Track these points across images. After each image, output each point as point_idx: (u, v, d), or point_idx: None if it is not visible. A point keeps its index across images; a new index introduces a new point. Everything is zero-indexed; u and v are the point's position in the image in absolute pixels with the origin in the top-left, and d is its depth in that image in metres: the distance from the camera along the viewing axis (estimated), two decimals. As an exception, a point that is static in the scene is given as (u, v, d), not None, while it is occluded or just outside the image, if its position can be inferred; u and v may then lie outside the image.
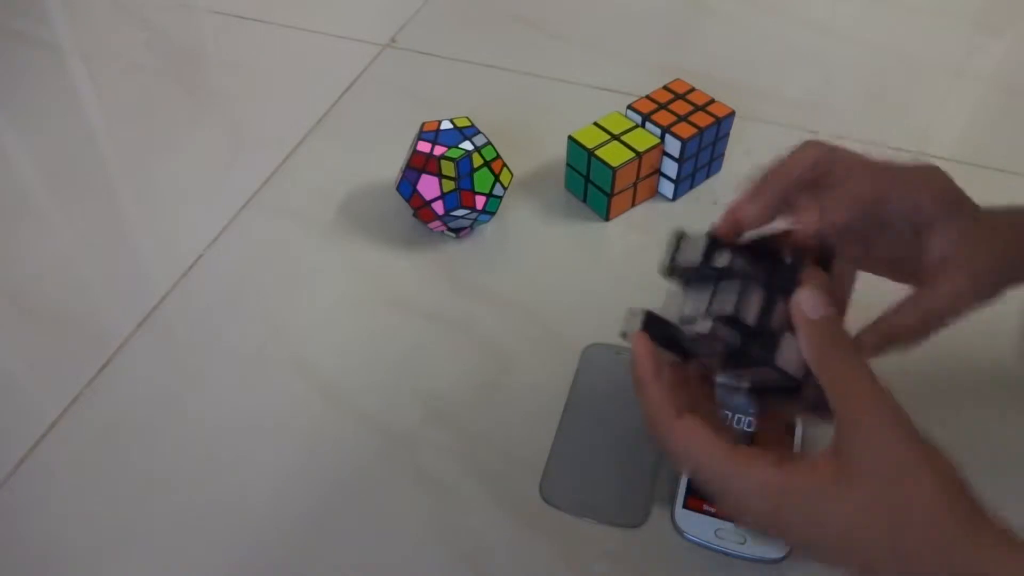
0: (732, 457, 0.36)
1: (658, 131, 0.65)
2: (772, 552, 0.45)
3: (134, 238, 0.68)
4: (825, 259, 0.41)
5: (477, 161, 0.60)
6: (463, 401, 0.54)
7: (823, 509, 0.34)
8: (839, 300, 0.42)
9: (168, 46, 0.88)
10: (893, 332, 0.41)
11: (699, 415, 0.38)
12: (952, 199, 0.42)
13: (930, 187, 0.42)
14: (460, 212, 0.61)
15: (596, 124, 0.66)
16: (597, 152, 0.63)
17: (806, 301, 0.37)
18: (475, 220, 0.63)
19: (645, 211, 0.68)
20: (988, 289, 0.42)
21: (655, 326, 0.41)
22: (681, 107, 0.66)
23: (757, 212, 0.41)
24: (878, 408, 0.34)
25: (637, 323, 0.41)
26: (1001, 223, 0.43)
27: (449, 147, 0.60)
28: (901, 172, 0.42)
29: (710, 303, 0.40)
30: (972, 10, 0.93)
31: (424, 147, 0.61)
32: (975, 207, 0.43)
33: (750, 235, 0.42)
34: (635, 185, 0.66)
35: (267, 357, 0.57)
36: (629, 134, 0.65)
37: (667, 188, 0.67)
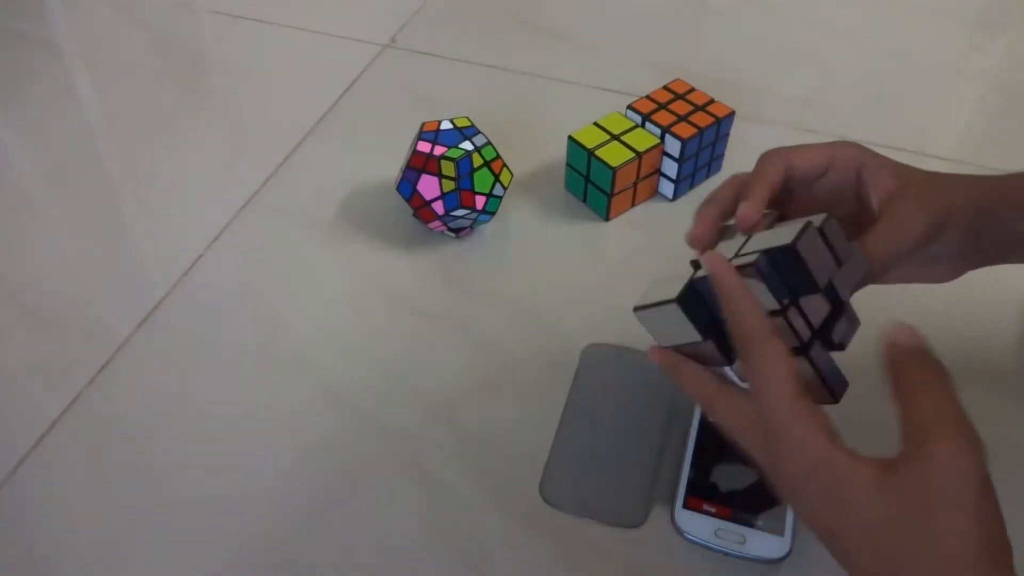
0: (796, 402, 0.36)
1: (658, 131, 0.65)
2: (772, 552, 0.45)
3: (134, 238, 0.68)
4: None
5: (477, 161, 0.60)
6: (463, 401, 0.54)
7: (855, 495, 0.34)
8: None
9: (168, 46, 0.88)
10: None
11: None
12: (871, 155, 0.44)
13: (843, 147, 0.44)
14: (460, 212, 0.61)
15: (596, 124, 0.66)
16: (597, 152, 0.63)
17: (898, 329, 0.37)
18: (475, 220, 0.63)
19: (645, 211, 0.68)
20: (943, 213, 0.42)
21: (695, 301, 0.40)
22: (681, 107, 0.66)
23: (753, 214, 0.43)
24: (957, 438, 0.33)
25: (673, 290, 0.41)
26: (932, 172, 0.44)
27: (449, 147, 0.60)
28: (809, 145, 0.45)
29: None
30: (972, 10, 0.93)
31: (424, 147, 0.61)
32: (899, 161, 0.44)
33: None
34: (635, 185, 0.66)
35: (267, 357, 0.57)
36: (629, 134, 0.65)
37: (667, 188, 0.67)
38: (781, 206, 0.46)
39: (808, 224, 0.39)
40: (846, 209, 0.45)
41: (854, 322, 0.41)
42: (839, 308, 0.40)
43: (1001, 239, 0.44)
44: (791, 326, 0.39)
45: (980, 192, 0.43)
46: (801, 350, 0.39)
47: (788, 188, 0.45)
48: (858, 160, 0.44)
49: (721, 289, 0.39)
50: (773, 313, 0.39)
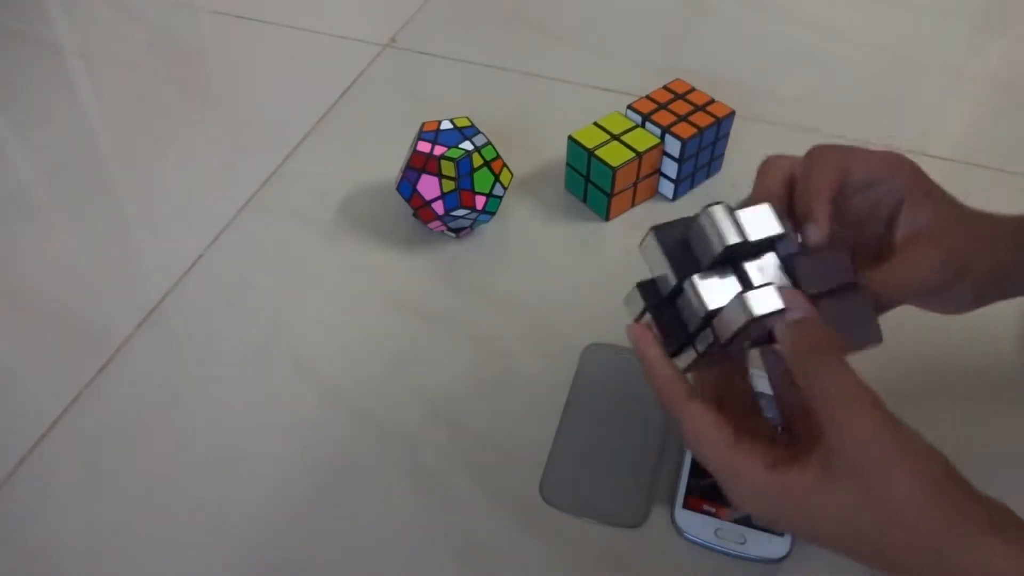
0: (732, 454, 0.37)
1: (658, 131, 0.65)
2: (772, 552, 0.45)
3: (134, 238, 0.68)
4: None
5: (477, 161, 0.60)
6: (463, 401, 0.54)
7: (812, 508, 0.35)
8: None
9: (168, 46, 0.88)
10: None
11: (699, 401, 0.39)
12: (922, 180, 0.43)
13: (901, 166, 0.43)
14: (460, 212, 0.61)
15: (596, 124, 0.66)
16: (597, 152, 0.63)
17: (787, 302, 0.37)
18: (475, 220, 0.63)
19: (645, 211, 0.68)
20: (959, 264, 0.41)
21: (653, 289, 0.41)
22: (681, 107, 0.66)
23: (824, 227, 0.41)
24: (859, 407, 0.34)
25: (637, 303, 0.42)
26: (970, 212, 0.43)
27: (449, 147, 0.60)
28: (868, 152, 0.43)
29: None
30: (972, 10, 0.93)
31: (424, 147, 0.61)
32: (945, 192, 0.43)
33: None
34: (635, 185, 0.66)
35: (267, 357, 0.57)
36: (629, 134, 0.65)
37: (667, 188, 0.67)
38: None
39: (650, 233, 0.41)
40: (874, 227, 0.44)
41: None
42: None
43: (1014, 290, 0.44)
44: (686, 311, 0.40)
45: (1004, 245, 0.43)
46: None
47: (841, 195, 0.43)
48: (908, 183, 0.42)
49: (643, 361, 0.41)
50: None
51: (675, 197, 0.68)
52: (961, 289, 0.42)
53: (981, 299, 0.44)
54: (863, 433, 0.34)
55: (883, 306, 0.41)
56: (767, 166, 0.44)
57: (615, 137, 0.64)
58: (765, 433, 0.40)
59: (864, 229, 0.44)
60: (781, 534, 0.46)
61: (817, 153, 0.43)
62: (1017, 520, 0.33)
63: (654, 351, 0.40)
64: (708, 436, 0.38)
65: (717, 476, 0.38)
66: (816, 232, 0.40)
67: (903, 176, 0.43)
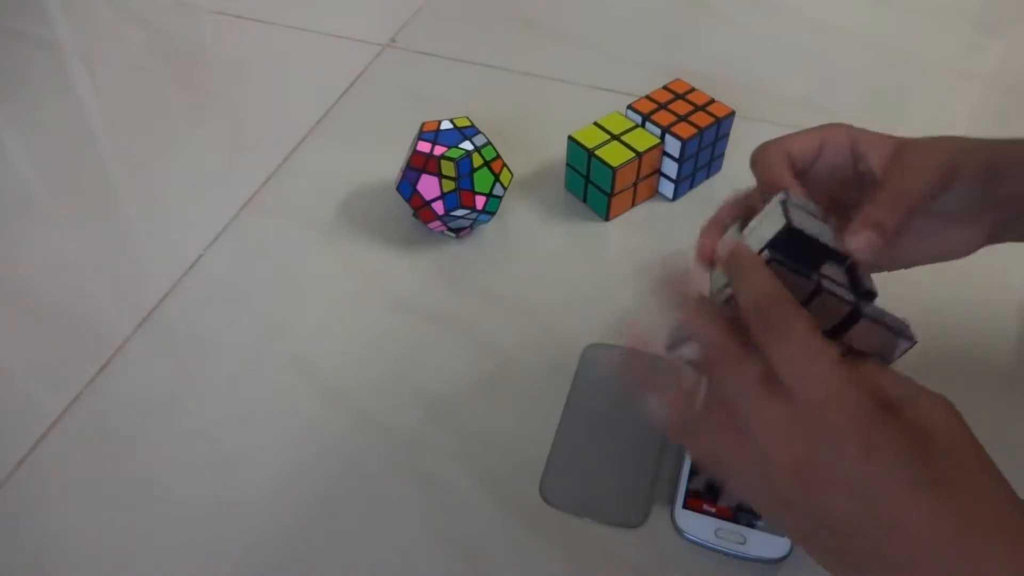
0: (841, 370, 0.34)
1: (658, 131, 0.65)
2: (772, 552, 0.45)
3: (134, 238, 0.68)
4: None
5: (477, 161, 0.60)
6: (463, 401, 0.54)
7: (913, 455, 0.32)
8: None
9: (168, 46, 0.88)
10: (879, 219, 0.40)
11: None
12: (862, 130, 0.44)
13: (832, 127, 0.44)
14: (460, 212, 0.61)
15: (596, 124, 0.66)
16: (597, 152, 0.63)
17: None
18: (475, 220, 0.63)
19: (645, 211, 0.68)
20: (949, 162, 0.41)
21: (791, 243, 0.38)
22: (681, 107, 0.66)
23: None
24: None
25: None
26: (937, 137, 0.43)
27: (449, 147, 0.60)
28: (799, 132, 0.44)
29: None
30: (972, 10, 0.93)
31: (424, 147, 0.61)
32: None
33: None
34: (635, 185, 0.66)
35: (267, 357, 0.57)
36: (629, 134, 0.65)
37: (667, 188, 0.67)
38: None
39: (783, 202, 0.39)
40: (846, 189, 0.44)
41: (866, 267, 0.40)
42: (849, 264, 0.39)
43: (1016, 194, 0.43)
44: (835, 295, 0.37)
45: (986, 146, 0.43)
46: (854, 314, 0.38)
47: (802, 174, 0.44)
48: (849, 135, 0.44)
49: (737, 267, 0.37)
50: (809, 298, 0.37)
51: (675, 197, 0.68)
52: (962, 190, 0.41)
53: (982, 213, 0.43)
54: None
55: (892, 233, 0.39)
56: (763, 155, 0.44)
57: (615, 137, 0.64)
58: None
59: (842, 197, 0.44)
60: (781, 534, 0.46)
61: (760, 153, 0.44)
62: None
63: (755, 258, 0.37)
64: (813, 345, 0.34)
65: (823, 388, 0.33)
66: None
67: (835, 131, 0.44)
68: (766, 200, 0.41)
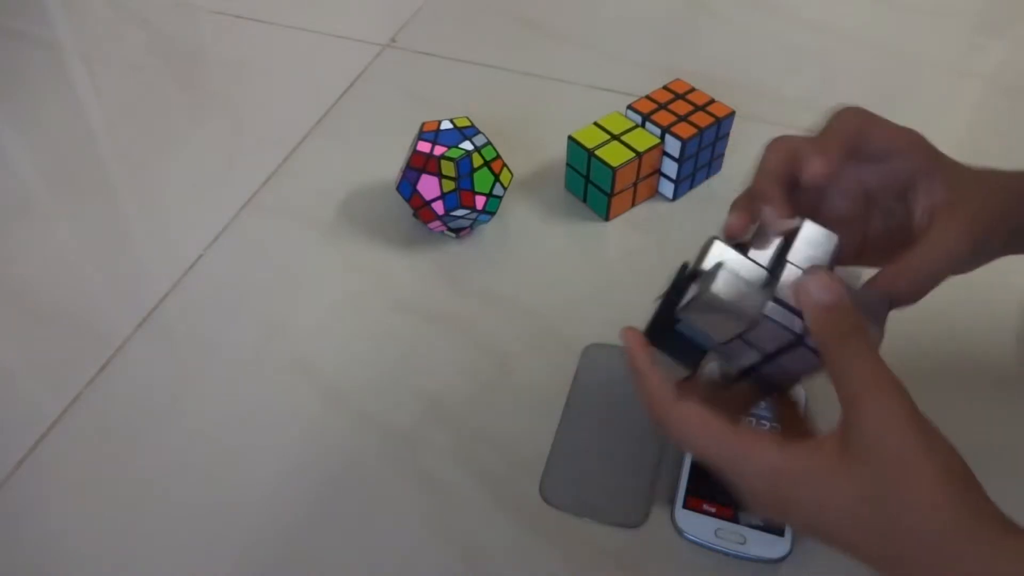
0: (734, 439, 0.36)
1: (658, 131, 0.65)
2: (772, 552, 0.45)
3: (134, 238, 0.68)
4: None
5: (477, 161, 0.60)
6: (463, 401, 0.54)
7: (824, 492, 0.34)
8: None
9: (168, 46, 0.88)
10: (891, 292, 0.40)
11: (695, 399, 0.38)
12: (937, 155, 0.42)
13: (919, 142, 0.43)
14: (460, 212, 0.61)
15: (596, 124, 0.66)
16: (597, 152, 0.63)
17: (814, 284, 0.36)
18: (475, 220, 0.63)
19: (645, 211, 0.68)
20: (984, 235, 0.40)
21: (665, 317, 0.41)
22: (681, 107, 0.66)
23: (823, 168, 0.41)
24: (884, 393, 0.34)
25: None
26: (985, 173, 0.43)
27: (449, 147, 0.60)
28: (888, 123, 0.43)
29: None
30: (972, 10, 0.93)
31: (424, 147, 0.61)
32: (954, 161, 0.43)
33: None
34: (635, 185, 0.66)
35: (267, 357, 0.57)
36: (629, 134, 0.65)
37: (667, 188, 0.67)
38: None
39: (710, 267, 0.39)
40: (884, 202, 0.43)
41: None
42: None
43: None
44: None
45: (1017, 203, 0.42)
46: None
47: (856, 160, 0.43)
48: (923, 161, 0.42)
49: (629, 366, 0.40)
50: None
51: (675, 197, 0.68)
52: (983, 253, 0.41)
53: (993, 256, 0.43)
54: (887, 420, 0.33)
55: (912, 297, 0.40)
56: (772, 146, 0.43)
57: (615, 137, 0.64)
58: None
59: (876, 202, 0.44)
60: (781, 534, 0.46)
61: (837, 115, 0.42)
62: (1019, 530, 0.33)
63: (643, 359, 0.40)
64: (704, 426, 0.37)
65: (723, 465, 0.37)
66: (771, 213, 0.40)
67: (917, 150, 0.42)
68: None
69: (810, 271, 0.37)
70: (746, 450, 0.36)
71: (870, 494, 0.33)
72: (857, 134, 0.42)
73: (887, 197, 0.43)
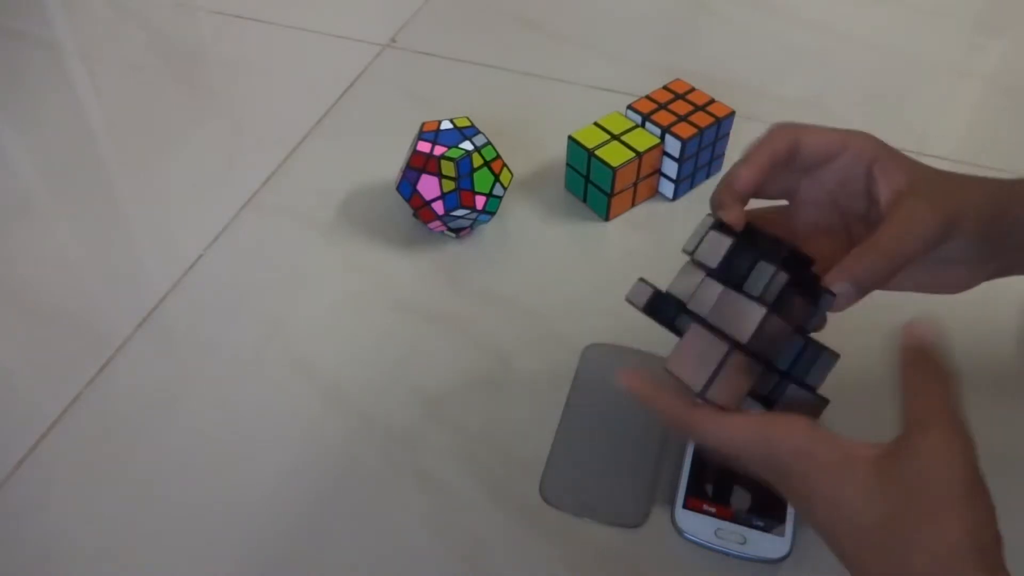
0: (764, 421, 0.37)
1: (658, 131, 0.65)
2: (772, 552, 0.45)
3: (134, 238, 0.68)
4: (805, 266, 0.41)
5: (477, 161, 0.60)
6: (463, 401, 0.54)
7: (848, 493, 0.34)
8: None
9: (168, 46, 0.88)
10: (859, 275, 0.40)
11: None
12: (884, 145, 0.43)
13: (856, 135, 0.44)
14: (460, 212, 0.61)
15: (596, 124, 0.66)
16: (597, 152, 0.63)
17: (921, 329, 0.37)
18: (475, 220, 0.63)
19: (645, 211, 0.67)
20: (953, 212, 0.40)
21: (661, 304, 0.42)
22: (681, 107, 0.66)
23: (750, 176, 0.42)
24: (954, 434, 0.33)
25: (644, 297, 0.42)
26: (948, 172, 0.43)
27: (449, 147, 0.60)
28: (820, 128, 0.44)
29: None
30: (972, 10, 0.93)
31: (424, 147, 0.61)
32: (911, 158, 0.43)
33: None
34: (635, 185, 0.66)
35: (267, 357, 0.57)
36: (629, 134, 0.65)
37: (667, 188, 0.67)
38: (790, 193, 0.45)
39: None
40: (854, 204, 0.44)
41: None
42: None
43: (1017, 244, 0.43)
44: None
45: (994, 193, 0.42)
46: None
47: (796, 168, 0.44)
48: (872, 152, 0.42)
49: (637, 401, 0.41)
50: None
51: (675, 197, 0.68)
52: (962, 241, 0.41)
53: (981, 263, 0.43)
54: (947, 458, 0.33)
55: (885, 276, 0.40)
56: (775, 126, 0.44)
57: (615, 137, 0.64)
58: None
59: (846, 207, 0.44)
60: (781, 534, 0.46)
61: (774, 125, 0.44)
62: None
63: (648, 393, 0.41)
64: (737, 417, 0.38)
65: (754, 449, 0.37)
66: (741, 166, 0.42)
67: (860, 142, 0.43)
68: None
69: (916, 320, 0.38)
70: (778, 431, 0.36)
71: (895, 517, 0.33)
72: (787, 144, 0.43)
73: (851, 197, 0.44)
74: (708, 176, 0.69)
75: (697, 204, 0.68)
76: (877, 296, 0.42)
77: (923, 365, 0.36)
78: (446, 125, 0.62)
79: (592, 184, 0.65)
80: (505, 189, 0.62)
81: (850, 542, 0.34)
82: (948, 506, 0.32)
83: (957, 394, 0.35)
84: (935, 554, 0.32)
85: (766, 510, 0.47)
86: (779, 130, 0.43)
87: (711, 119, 0.65)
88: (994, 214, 0.41)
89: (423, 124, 0.63)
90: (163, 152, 0.75)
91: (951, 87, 0.82)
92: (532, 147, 0.72)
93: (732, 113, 0.66)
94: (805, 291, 0.40)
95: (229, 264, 0.64)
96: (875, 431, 0.35)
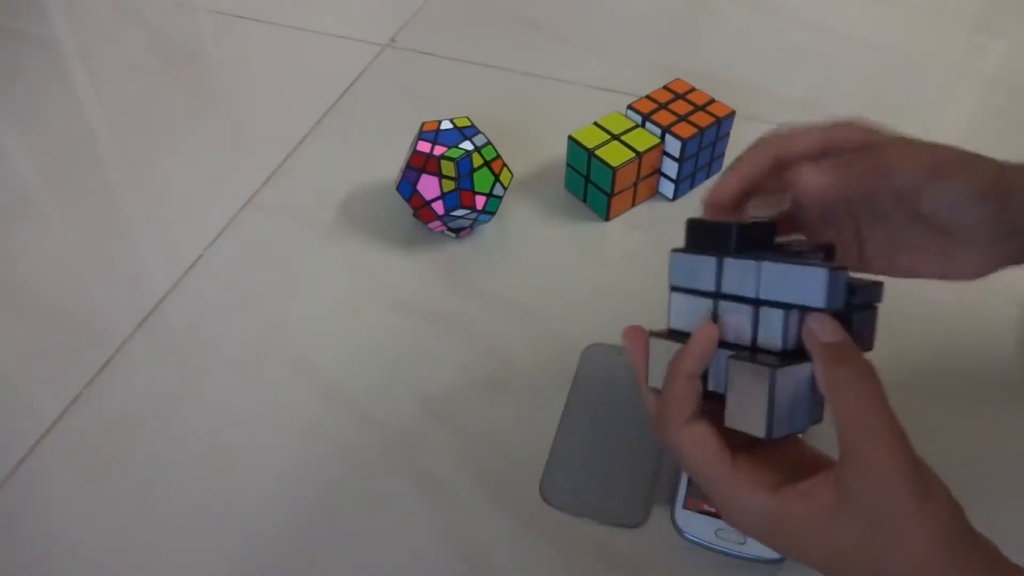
0: (732, 477, 0.36)
1: (658, 131, 0.65)
2: (772, 552, 0.45)
3: (134, 238, 0.68)
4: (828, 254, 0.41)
5: (477, 161, 0.60)
6: (463, 401, 0.54)
7: (816, 537, 0.34)
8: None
9: (168, 46, 0.88)
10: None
11: (706, 422, 0.38)
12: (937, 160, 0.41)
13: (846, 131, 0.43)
14: (460, 212, 0.61)
15: (596, 124, 0.66)
16: (597, 152, 0.63)
17: (819, 325, 0.36)
18: (475, 220, 0.63)
19: (645, 211, 0.68)
20: (942, 160, 0.39)
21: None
22: (681, 107, 0.66)
23: (726, 190, 0.42)
24: (884, 442, 0.33)
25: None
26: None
27: (449, 147, 0.60)
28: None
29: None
30: (972, 10, 0.93)
31: (424, 147, 0.61)
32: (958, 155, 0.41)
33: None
34: (635, 185, 0.66)
35: (267, 357, 0.57)
36: (629, 134, 0.65)
37: (667, 188, 0.67)
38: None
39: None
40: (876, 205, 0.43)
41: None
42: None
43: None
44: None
45: (1000, 165, 0.40)
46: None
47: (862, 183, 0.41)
48: (861, 141, 0.42)
49: (634, 377, 0.41)
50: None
51: (675, 197, 0.68)
52: (965, 213, 0.39)
53: (996, 241, 0.41)
54: (885, 469, 0.33)
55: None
56: (747, 155, 0.43)
57: (615, 137, 0.64)
58: (766, 458, 0.38)
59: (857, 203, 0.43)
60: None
61: (755, 143, 0.43)
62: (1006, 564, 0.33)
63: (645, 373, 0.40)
64: (708, 457, 0.37)
65: (715, 496, 0.37)
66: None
67: (848, 134, 0.42)
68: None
69: (814, 316, 0.36)
70: (741, 489, 0.36)
71: (859, 543, 0.33)
72: (769, 161, 0.42)
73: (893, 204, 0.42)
74: (708, 176, 0.69)
75: (697, 204, 0.67)
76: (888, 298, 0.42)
77: (841, 371, 0.35)
78: (446, 125, 0.62)
79: (592, 184, 0.65)
80: (505, 189, 0.62)
81: (832, 570, 0.35)
82: (905, 515, 0.32)
83: (880, 393, 0.35)
84: (909, 561, 0.33)
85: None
86: (763, 145, 0.42)
87: (711, 119, 0.65)
88: (998, 176, 0.40)
89: (423, 124, 0.63)
90: (163, 152, 0.75)
91: (951, 87, 0.82)
92: (532, 147, 0.72)
93: (732, 113, 0.66)
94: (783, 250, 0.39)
95: (229, 264, 0.64)
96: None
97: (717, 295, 0.39)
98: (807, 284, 0.36)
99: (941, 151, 0.40)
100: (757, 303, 0.37)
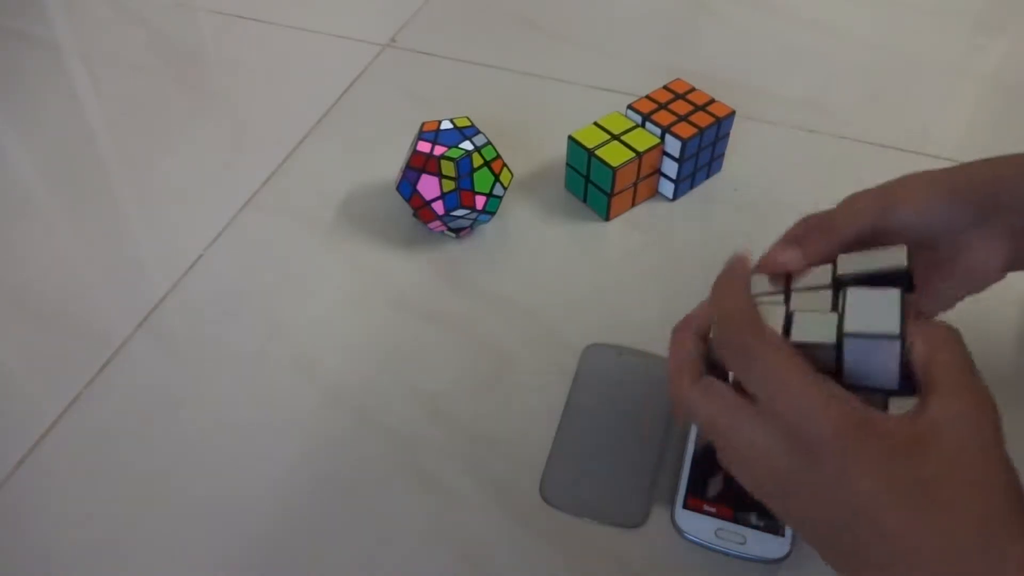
0: (815, 385, 0.35)
1: (658, 131, 0.65)
2: (772, 552, 0.45)
3: (134, 238, 0.68)
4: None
5: (477, 161, 0.60)
6: (463, 401, 0.54)
7: (891, 461, 0.33)
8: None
9: (168, 46, 0.88)
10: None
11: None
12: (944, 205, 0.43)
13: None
14: (460, 212, 0.61)
15: (596, 124, 0.66)
16: (597, 152, 0.63)
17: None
18: (475, 220, 0.63)
19: (645, 211, 0.68)
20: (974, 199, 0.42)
21: None
22: (681, 107, 0.66)
23: (798, 260, 0.43)
24: (973, 398, 0.34)
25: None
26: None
27: (449, 147, 0.60)
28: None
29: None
30: (972, 10, 0.93)
31: (424, 147, 0.61)
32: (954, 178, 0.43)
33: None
34: (635, 185, 0.66)
35: (267, 357, 0.57)
36: (629, 134, 0.65)
37: (667, 188, 0.67)
38: None
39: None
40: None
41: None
42: None
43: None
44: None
45: (985, 164, 0.43)
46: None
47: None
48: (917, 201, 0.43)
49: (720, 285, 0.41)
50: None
51: (675, 197, 0.68)
52: (960, 214, 0.42)
53: (1016, 235, 0.43)
54: (976, 412, 0.33)
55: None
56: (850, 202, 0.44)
57: (615, 137, 0.64)
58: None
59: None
60: (782, 534, 0.46)
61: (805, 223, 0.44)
62: None
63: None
64: (795, 367, 0.35)
65: (796, 405, 0.34)
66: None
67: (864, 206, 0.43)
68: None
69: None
70: (826, 399, 0.34)
71: (927, 478, 0.32)
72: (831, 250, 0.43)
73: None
74: (708, 176, 0.69)
75: (697, 204, 0.68)
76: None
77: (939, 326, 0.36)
78: (446, 125, 0.62)
79: (592, 184, 0.65)
80: (505, 189, 0.62)
81: (892, 515, 0.33)
82: (984, 473, 0.32)
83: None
84: (980, 520, 0.32)
85: (766, 510, 0.47)
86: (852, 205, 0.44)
87: (711, 119, 0.65)
88: (969, 179, 0.42)
89: (423, 124, 0.63)
90: (163, 152, 0.75)
91: (951, 87, 0.82)
92: (532, 147, 0.72)
93: (732, 113, 0.66)
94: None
95: (229, 264, 0.64)
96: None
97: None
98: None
99: (890, 183, 0.43)
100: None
